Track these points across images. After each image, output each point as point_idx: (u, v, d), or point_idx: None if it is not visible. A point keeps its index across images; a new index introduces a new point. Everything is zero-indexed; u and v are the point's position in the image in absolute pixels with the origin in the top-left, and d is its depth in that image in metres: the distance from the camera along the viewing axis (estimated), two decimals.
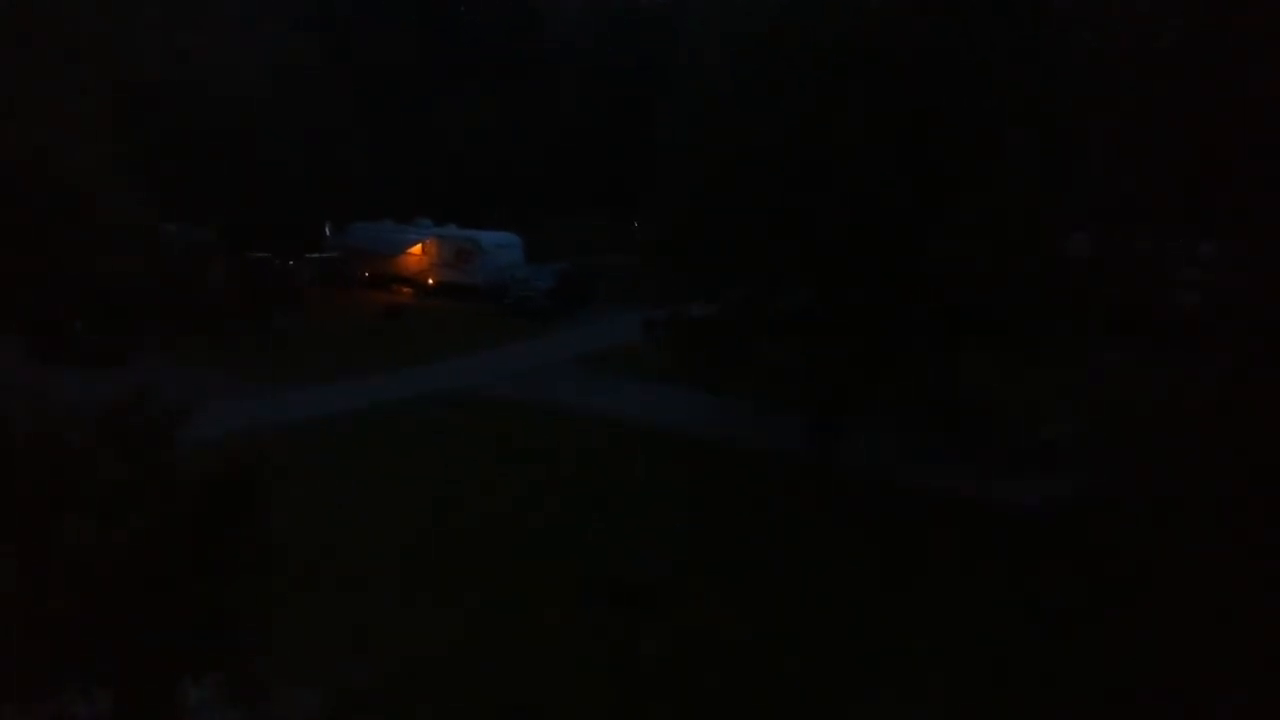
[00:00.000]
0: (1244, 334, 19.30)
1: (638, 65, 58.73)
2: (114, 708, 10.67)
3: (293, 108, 48.30)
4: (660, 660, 19.45)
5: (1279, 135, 20.01)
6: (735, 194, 24.93)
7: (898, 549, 24.04)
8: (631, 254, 45.11)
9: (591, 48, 61.74)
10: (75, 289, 30.79)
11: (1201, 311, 23.80)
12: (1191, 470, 18.84)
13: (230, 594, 11.13)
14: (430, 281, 51.63)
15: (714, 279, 27.59)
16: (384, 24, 56.79)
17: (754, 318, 26.93)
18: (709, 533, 24.97)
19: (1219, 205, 22.24)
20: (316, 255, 53.52)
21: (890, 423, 29.10)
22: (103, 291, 34.27)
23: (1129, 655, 18.67)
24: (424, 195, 54.78)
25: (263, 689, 11.45)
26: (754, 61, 25.80)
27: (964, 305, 23.93)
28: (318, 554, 22.22)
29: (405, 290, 51.94)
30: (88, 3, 37.64)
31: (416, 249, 52.12)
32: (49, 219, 28.54)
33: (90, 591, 10.26)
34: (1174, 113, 21.71)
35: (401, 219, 53.70)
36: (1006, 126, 23.73)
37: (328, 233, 55.04)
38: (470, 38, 59.80)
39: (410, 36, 56.73)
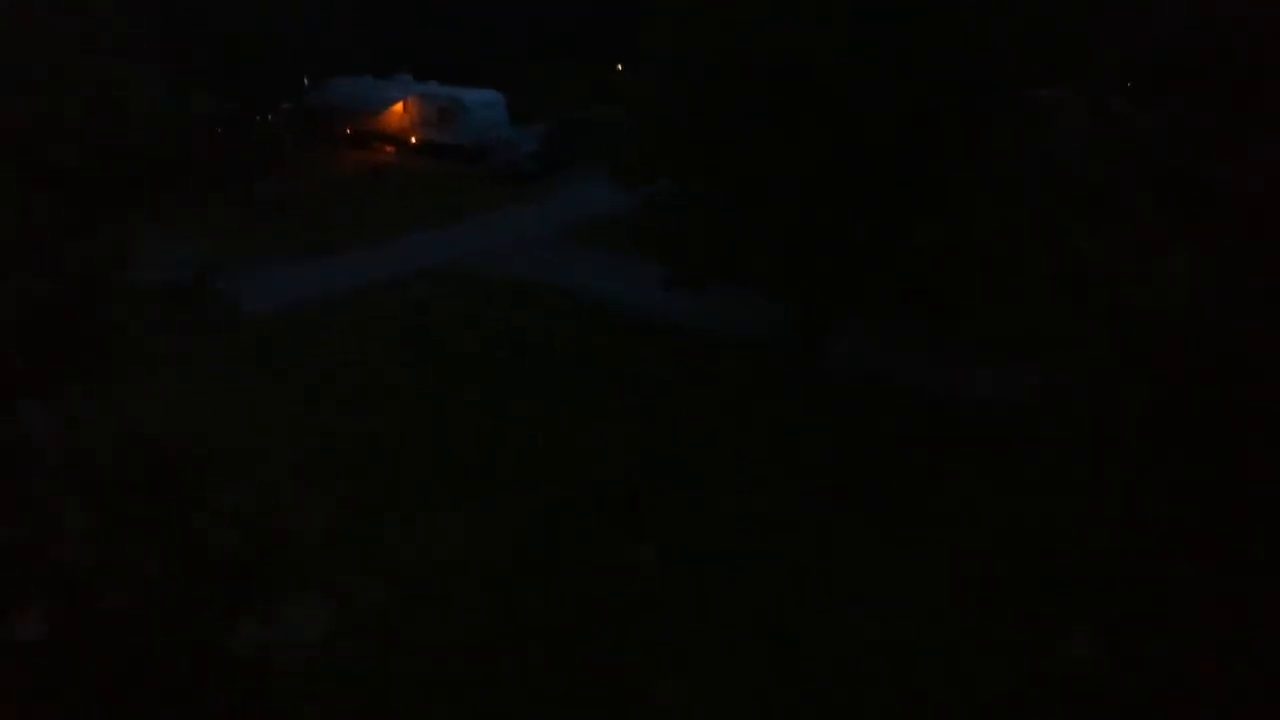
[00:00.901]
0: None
1: None
2: None
3: None
4: (644, 562, 20.31)
5: None
6: (725, 107, 24.38)
7: (874, 446, 24.56)
8: (616, 107, 43.89)
9: None
10: None
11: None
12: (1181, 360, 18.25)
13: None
14: (413, 140, 50.77)
15: (705, 182, 27.09)
16: None
17: (742, 212, 26.46)
18: (689, 429, 25.41)
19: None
20: (294, 105, 52.26)
21: (878, 317, 28.71)
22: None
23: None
24: (404, 47, 53.32)
25: None
26: None
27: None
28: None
29: (388, 149, 51.13)
30: None
31: (399, 107, 51.04)
32: None
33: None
34: None
35: (382, 74, 52.43)
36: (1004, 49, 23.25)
37: (305, 85, 53.78)
38: None
39: None
